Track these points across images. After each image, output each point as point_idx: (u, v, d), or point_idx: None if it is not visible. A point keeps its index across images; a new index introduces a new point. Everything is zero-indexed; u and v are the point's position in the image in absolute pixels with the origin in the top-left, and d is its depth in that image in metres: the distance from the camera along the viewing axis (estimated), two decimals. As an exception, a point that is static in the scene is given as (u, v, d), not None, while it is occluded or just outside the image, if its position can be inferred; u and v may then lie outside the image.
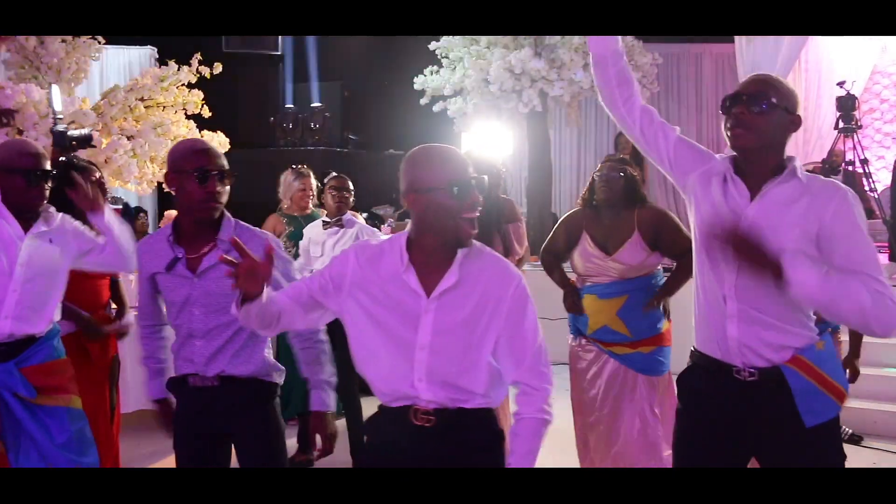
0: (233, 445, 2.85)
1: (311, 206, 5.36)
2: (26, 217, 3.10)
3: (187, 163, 2.64)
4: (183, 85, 6.65)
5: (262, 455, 2.77)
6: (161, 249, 2.77)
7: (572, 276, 4.23)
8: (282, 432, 2.87)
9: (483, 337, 2.25)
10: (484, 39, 8.77)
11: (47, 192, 3.11)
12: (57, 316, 3.24)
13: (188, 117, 6.76)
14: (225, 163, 2.68)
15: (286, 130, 10.47)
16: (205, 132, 6.78)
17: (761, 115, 2.35)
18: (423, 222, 2.25)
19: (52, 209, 3.19)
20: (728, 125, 2.39)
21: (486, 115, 8.77)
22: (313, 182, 5.38)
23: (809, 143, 10.41)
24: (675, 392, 4.15)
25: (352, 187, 5.05)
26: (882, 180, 9.48)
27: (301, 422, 5.11)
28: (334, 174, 5.10)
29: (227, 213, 2.75)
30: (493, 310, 2.25)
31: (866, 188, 8.33)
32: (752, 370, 2.35)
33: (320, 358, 2.82)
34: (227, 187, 2.70)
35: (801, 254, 2.19)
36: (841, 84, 8.60)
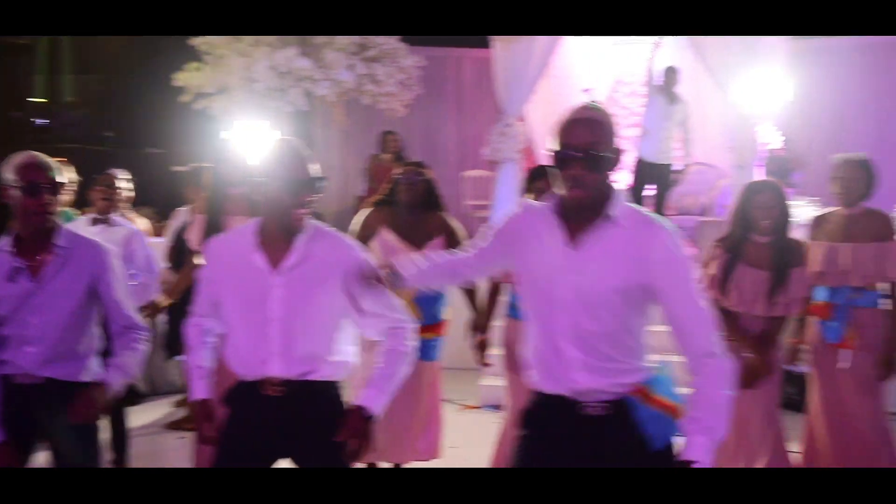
0: None
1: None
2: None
3: (18, 177, 2.81)
4: None
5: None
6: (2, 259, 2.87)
7: None
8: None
9: (331, 307, 2.56)
10: (248, 37, 8.64)
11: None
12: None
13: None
14: (55, 176, 2.85)
15: (37, 126, 9.74)
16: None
17: (598, 170, 2.21)
18: (264, 209, 2.57)
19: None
20: (566, 184, 2.22)
21: (251, 113, 8.64)
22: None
23: (560, 144, 11.11)
24: (439, 384, 4.47)
25: (122, 186, 4.93)
26: (622, 180, 10.29)
27: None
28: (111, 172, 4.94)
29: (59, 223, 2.93)
30: (336, 280, 2.54)
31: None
32: (598, 405, 2.26)
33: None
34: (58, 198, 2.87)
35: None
36: (586, 91, 9.27)
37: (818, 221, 4.38)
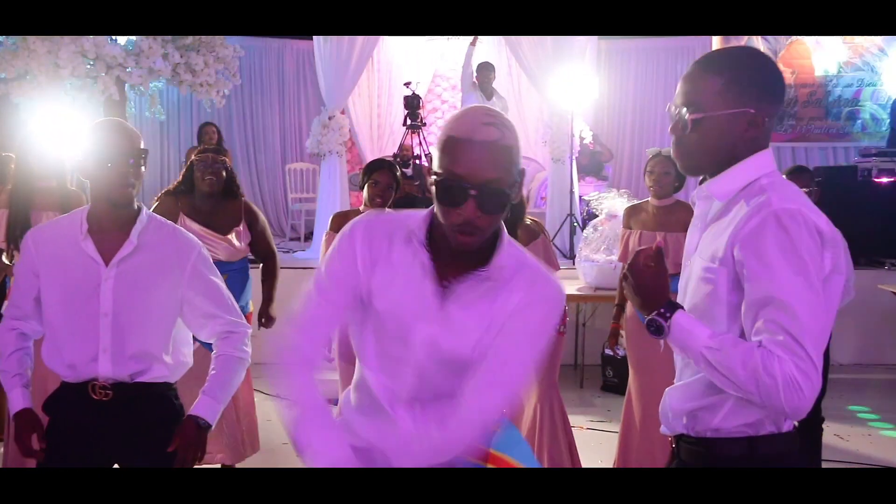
0: None
1: None
2: None
3: None
4: None
5: None
6: None
7: None
8: None
9: (165, 305, 2.39)
10: (51, 20, 8.12)
11: None
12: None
13: None
14: None
15: None
16: None
17: (497, 211, 1.71)
18: (92, 190, 2.39)
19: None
20: (452, 224, 1.71)
21: (58, 101, 8.15)
22: None
23: (383, 137, 11.23)
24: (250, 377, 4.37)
25: None
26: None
27: None
28: None
29: None
30: (174, 278, 2.39)
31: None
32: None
33: None
34: None
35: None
36: (407, 84, 9.39)
37: (631, 211, 4.65)
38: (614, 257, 6.02)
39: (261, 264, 4.48)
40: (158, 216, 2.50)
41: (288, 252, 8.82)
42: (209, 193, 4.20)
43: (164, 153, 10.87)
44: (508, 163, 1.69)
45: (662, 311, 1.75)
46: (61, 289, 2.38)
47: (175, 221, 4.07)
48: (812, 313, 1.64)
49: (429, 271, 1.78)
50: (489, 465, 1.84)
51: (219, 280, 2.49)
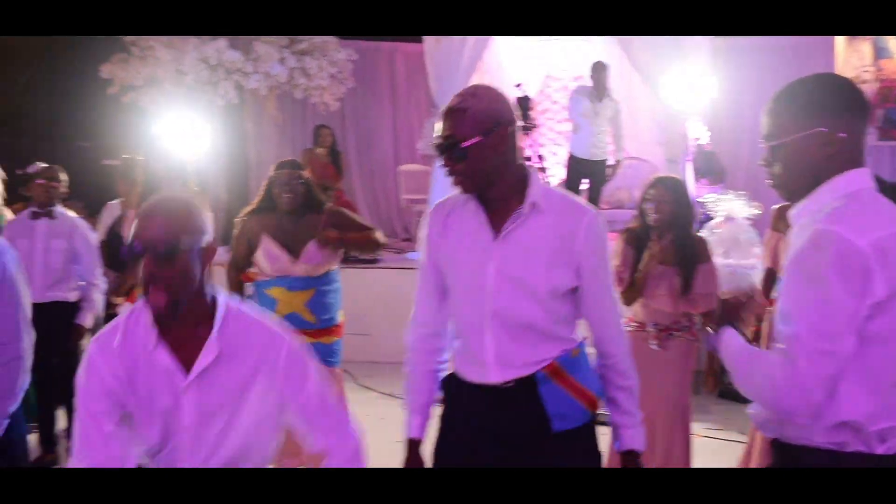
0: None
1: None
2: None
3: None
4: None
5: None
6: None
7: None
8: None
9: (258, 413, 2.02)
10: (176, 28, 8.46)
11: None
12: None
13: None
14: None
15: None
16: None
17: (463, 160, 2.12)
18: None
19: None
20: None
21: (181, 106, 8.49)
22: None
23: (493, 139, 11.19)
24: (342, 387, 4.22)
25: (62, 178, 4.92)
26: (556, 174, 10.44)
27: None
28: (44, 164, 4.91)
29: None
30: (265, 379, 2.00)
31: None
32: (508, 381, 2.18)
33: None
34: None
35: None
36: (518, 86, 9.34)
37: (780, 213, 4.36)
38: (731, 260, 5.84)
39: (368, 262, 4.37)
40: (239, 306, 2.07)
41: (400, 252, 8.92)
42: (288, 211, 4.08)
43: (282, 155, 11.13)
44: (463, 120, 2.11)
45: (718, 329, 2.04)
46: (134, 408, 1.99)
47: (257, 242, 4.02)
48: (815, 327, 1.72)
49: (484, 221, 2.19)
50: (556, 383, 2.17)
51: (318, 376, 2.11)
